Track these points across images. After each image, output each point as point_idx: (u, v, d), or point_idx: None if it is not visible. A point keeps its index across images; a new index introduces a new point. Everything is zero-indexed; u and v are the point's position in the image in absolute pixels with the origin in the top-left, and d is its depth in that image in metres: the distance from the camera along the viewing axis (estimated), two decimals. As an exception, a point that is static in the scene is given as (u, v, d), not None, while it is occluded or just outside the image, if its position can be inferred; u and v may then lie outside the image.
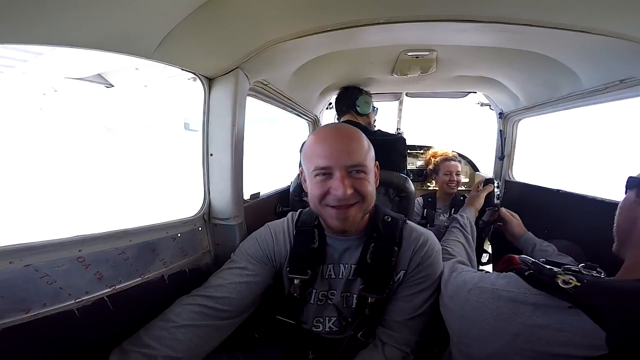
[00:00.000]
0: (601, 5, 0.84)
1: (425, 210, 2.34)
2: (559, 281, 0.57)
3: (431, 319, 0.93)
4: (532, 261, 0.69)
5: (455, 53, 1.53)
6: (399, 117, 2.88)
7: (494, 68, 1.76)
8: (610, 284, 0.56)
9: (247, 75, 1.12)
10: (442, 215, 2.31)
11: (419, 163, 2.88)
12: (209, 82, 1.08)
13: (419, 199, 2.40)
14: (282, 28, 0.99)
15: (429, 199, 2.37)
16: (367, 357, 0.91)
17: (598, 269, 0.65)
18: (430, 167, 2.43)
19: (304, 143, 0.96)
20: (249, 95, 1.20)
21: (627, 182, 0.69)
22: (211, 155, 1.11)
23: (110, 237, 0.79)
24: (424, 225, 2.20)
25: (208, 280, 0.94)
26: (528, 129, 2.25)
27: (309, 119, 2.34)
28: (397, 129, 2.92)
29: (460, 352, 0.72)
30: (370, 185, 0.88)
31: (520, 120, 2.20)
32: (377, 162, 0.95)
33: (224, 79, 1.07)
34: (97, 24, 0.63)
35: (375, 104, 2.14)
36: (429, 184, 2.88)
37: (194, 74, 1.02)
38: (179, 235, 1.00)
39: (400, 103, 2.80)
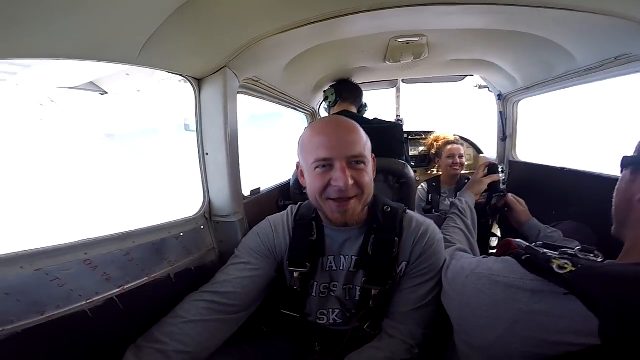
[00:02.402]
0: None
1: (430, 195, 2.35)
2: (554, 266, 0.55)
3: (437, 309, 0.92)
4: (527, 245, 0.67)
5: (446, 37, 1.51)
6: (397, 104, 2.86)
7: (487, 50, 1.74)
8: (603, 269, 0.53)
9: (235, 74, 1.13)
10: (447, 199, 2.31)
11: (422, 148, 2.87)
12: (198, 82, 1.09)
13: (424, 184, 2.41)
14: (266, 23, 1.00)
15: (433, 184, 2.37)
16: (371, 351, 0.91)
17: (595, 252, 0.61)
18: (433, 151, 2.43)
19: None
20: (240, 92, 1.22)
21: (622, 161, 0.65)
22: (207, 154, 1.13)
23: (113, 239, 0.82)
24: (429, 211, 2.22)
25: (214, 276, 0.96)
26: (531, 108, 2.23)
27: (307, 112, 2.34)
28: (397, 115, 2.91)
29: (462, 341, 0.71)
30: (369, 177, 0.89)
31: (519, 100, 2.17)
32: (374, 154, 0.96)
33: (213, 78, 1.08)
34: (75, 35, 0.64)
35: (372, 92, 2.14)
36: (432, 169, 2.88)
37: (181, 75, 1.03)
38: (182, 234, 1.02)
39: (397, 90, 2.79)
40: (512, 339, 0.57)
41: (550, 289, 0.54)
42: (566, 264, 0.54)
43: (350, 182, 0.83)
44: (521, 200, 1.53)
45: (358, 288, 0.96)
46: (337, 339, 0.98)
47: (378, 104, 2.27)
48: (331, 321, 0.99)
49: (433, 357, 0.94)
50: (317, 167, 0.86)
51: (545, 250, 0.61)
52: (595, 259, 0.59)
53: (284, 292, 1.02)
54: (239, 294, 0.92)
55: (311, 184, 0.89)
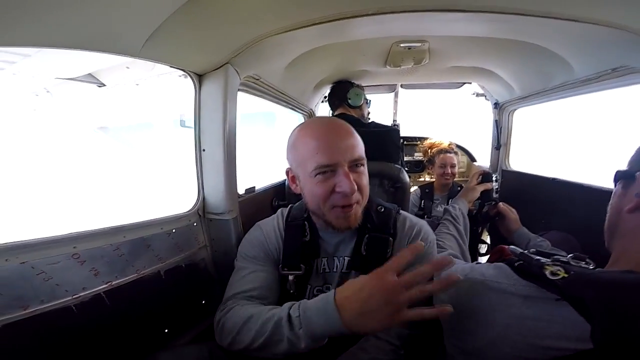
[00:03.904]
0: None
1: (422, 201, 2.35)
2: (547, 272, 0.55)
3: None
4: (520, 252, 0.67)
5: (447, 44, 1.53)
6: (395, 109, 2.88)
7: (487, 58, 1.76)
8: (595, 275, 0.54)
9: (237, 71, 1.12)
10: (439, 206, 2.31)
11: (416, 154, 2.89)
12: (199, 78, 1.08)
13: (417, 190, 2.42)
14: (271, 22, 0.99)
15: (426, 190, 2.38)
16: (358, 353, 0.89)
17: (587, 260, 0.62)
18: (427, 158, 2.43)
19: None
20: (240, 90, 1.21)
21: (615, 175, 0.66)
22: (204, 150, 1.11)
23: (104, 233, 0.81)
24: (421, 217, 2.22)
25: (234, 286, 0.92)
26: (525, 118, 2.26)
27: (304, 113, 2.34)
28: (394, 120, 2.92)
29: (453, 345, 0.71)
30: (367, 179, 0.88)
31: (515, 110, 2.20)
32: (368, 157, 0.93)
33: (214, 74, 1.07)
34: (80, 25, 0.63)
35: (371, 96, 2.15)
36: (426, 175, 2.89)
37: (183, 70, 1.02)
38: (174, 230, 1.01)
39: (396, 95, 2.81)
40: (504, 344, 0.57)
41: (543, 295, 0.55)
42: (559, 270, 0.55)
43: (355, 186, 0.80)
44: (512, 209, 1.54)
45: None
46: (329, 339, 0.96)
47: (375, 108, 2.28)
48: None
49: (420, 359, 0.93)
50: (318, 174, 0.81)
51: (539, 257, 0.62)
52: (587, 266, 0.60)
53: (281, 295, 0.99)
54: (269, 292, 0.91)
55: (312, 192, 0.84)
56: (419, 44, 1.49)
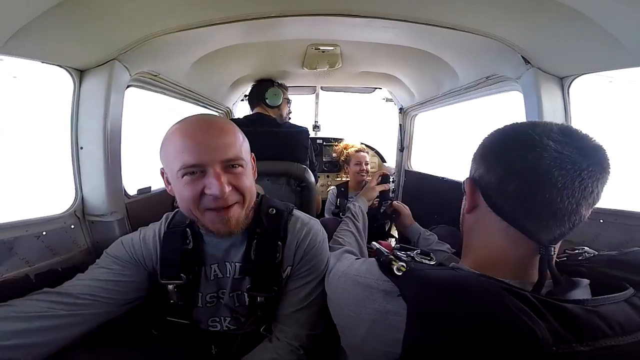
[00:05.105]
0: (477, 5, 0.93)
1: (338, 199, 2.47)
2: (394, 268, 0.57)
3: (322, 309, 0.91)
4: (377, 247, 0.72)
5: (357, 49, 1.61)
6: (316, 110, 2.96)
7: (392, 65, 1.90)
8: (418, 272, 0.56)
9: (126, 67, 1.06)
10: (353, 203, 2.46)
11: (334, 155, 3.02)
12: (80, 74, 1.01)
13: (334, 189, 2.52)
14: (166, 20, 0.96)
15: (342, 189, 2.50)
16: (260, 352, 0.88)
17: (431, 256, 0.66)
18: (342, 158, 2.56)
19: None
20: (133, 86, 1.15)
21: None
22: (81, 148, 1.04)
23: None
24: (337, 214, 2.34)
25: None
26: (428, 122, 2.51)
27: (220, 111, 2.27)
28: (315, 121, 3.00)
29: (342, 341, 0.72)
30: (249, 180, 0.82)
31: (416, 114, 2.43)
32: (253, 154, 0.90)
33: (97, 70, 1.00)
34: None
35: (292, 97, 2.16)
36: (343, 175, 3.03)
37: (59, 66, 0.94)
38: (44, 233, 0.94)
39: (317, 96, 2.89)
40: (374, 339, 0.58)
41: (395, 290, 0.56)
42: (402, 266, 0.57)
43: (227, 188, 0.74)
44: (406, 207, 1.71)
45: (246, 294, 0.93)
46: (233, 342, 0.94)
47: (298, 109, 2.30)
48: (225, 328, 0.96)
49: (326, 356, 0.96)
50: (185, 175, 0.75)
51: (388, 253, 0.66)
52: (428, 262, 0.66)
53: (167, 303, 0.93)
54: (92, 296, 0.80)
55: (181, 195, 0.77)
56: (331, 48, 1.56)
